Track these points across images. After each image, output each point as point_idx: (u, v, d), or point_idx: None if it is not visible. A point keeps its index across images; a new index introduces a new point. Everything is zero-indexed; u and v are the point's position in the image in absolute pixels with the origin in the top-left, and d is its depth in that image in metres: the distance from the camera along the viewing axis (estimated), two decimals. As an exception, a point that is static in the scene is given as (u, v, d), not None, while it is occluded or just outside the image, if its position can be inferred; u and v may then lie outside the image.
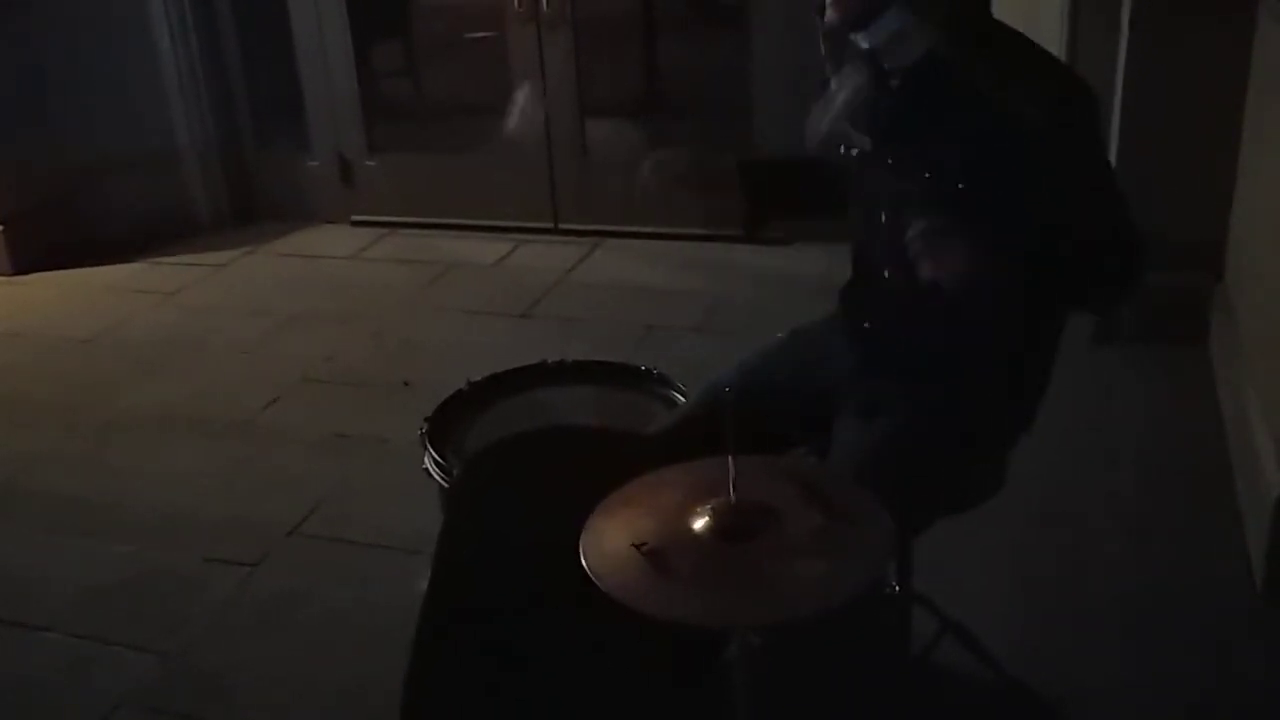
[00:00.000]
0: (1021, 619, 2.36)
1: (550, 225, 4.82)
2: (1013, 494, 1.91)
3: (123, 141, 4.83)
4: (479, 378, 2.33)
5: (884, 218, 1.81)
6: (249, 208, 5.19)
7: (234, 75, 5.07)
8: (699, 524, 1.44)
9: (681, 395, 2.20)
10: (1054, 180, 1.66)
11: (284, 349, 3.92)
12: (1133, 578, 2.51)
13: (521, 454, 1.87)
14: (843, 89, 1.74)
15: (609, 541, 1.43)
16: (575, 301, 4.18)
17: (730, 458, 1.43)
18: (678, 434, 1.88)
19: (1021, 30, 1.78)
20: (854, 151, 1.82)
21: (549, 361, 2.39)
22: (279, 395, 3.57)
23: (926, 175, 1.72)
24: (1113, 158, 3.32)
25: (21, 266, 4.67)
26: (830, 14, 1.70)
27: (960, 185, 1.68)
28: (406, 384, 3.53)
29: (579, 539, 1.43)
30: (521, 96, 2.07)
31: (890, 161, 1.78)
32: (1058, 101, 1.69)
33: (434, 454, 2.09)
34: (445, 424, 2.20)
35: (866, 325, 1.88)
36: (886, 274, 1.84)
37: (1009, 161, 1.64)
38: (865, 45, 1.69)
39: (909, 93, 1.74)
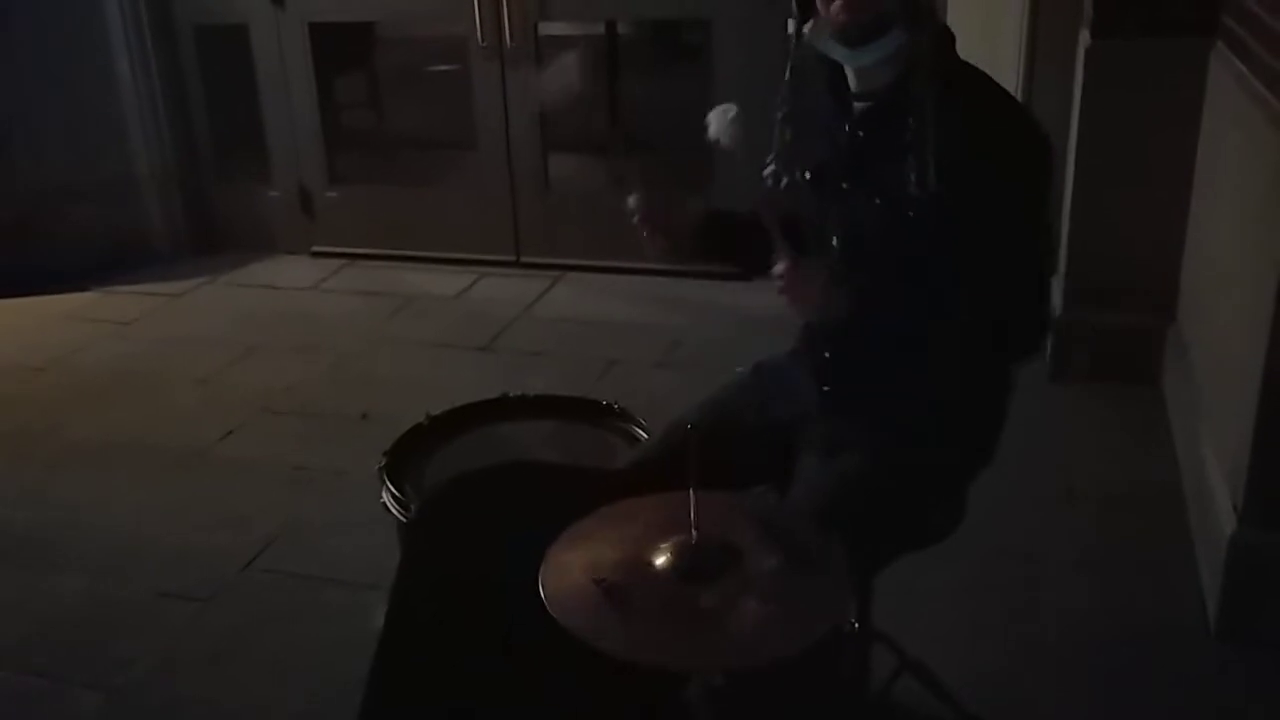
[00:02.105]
0: (979, 656, 2.36)
1: (512, 258, 4.82)
2: (970, 532, 1.92)
3: (81, 168, 4.78)
4: (439, 411, 2.32)
5: (835, 242, 1.82)
6: (208, 237, 5.15)
7: (194, 103, 5.03)
8: (659, 560, 1.44)
9: (644, 431, 2.20)
10: (998, 217, 1.69)
11: (241, 380, 3.89)
12: (1088, 615, 2.52)
13: (481, 489, 1.86)
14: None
15: (568, 575, 1.42)
16: (537, 335, 4.17)
17: (692, 495, 1.43)
18: (640, 471, 1.88)
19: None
20: (808, 175, 1.84)
21: (510, 395, 2.38)
22: (236, 427, 3.53)
23: (878, 201, 1.74)
24: (1067, 200, 3.38)
25: (-26, 293, 4.60)
26: (840, 16, 1.69)
27: (910, 213, 1.70)
28: (365, 416, 3.51)
29: (538, 576, 1.43)
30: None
31: (845, 186, 1.80)
32: (1014, 142, 1.72)
33: (392, 488, 2.07)
34: (404, 458, 2.18)
35: (826, 356, 1.89)
36: None
37: (962, 192, 1.66)
38: (861, 63, 1.72)
39: (872, 117, 1.77)
